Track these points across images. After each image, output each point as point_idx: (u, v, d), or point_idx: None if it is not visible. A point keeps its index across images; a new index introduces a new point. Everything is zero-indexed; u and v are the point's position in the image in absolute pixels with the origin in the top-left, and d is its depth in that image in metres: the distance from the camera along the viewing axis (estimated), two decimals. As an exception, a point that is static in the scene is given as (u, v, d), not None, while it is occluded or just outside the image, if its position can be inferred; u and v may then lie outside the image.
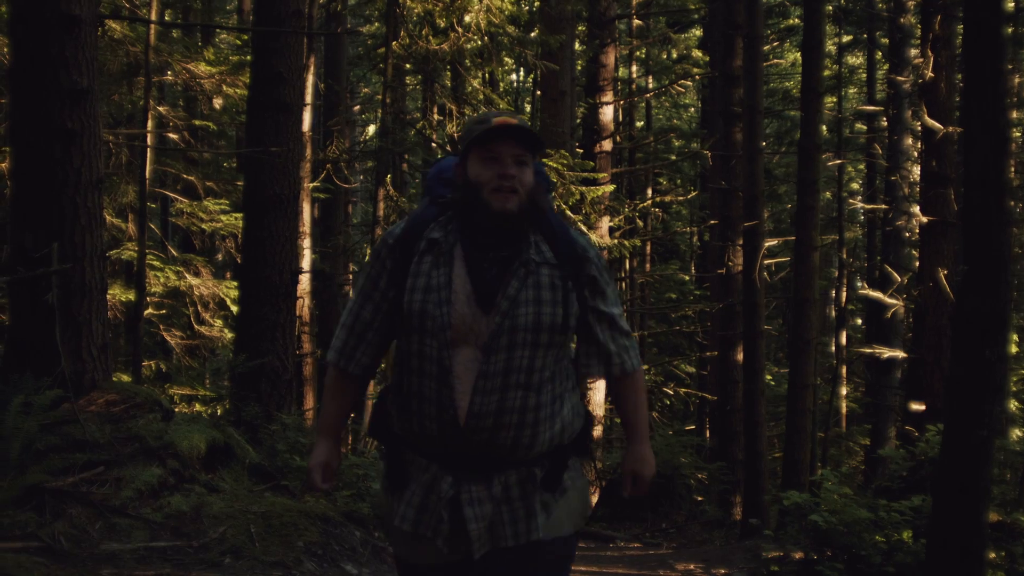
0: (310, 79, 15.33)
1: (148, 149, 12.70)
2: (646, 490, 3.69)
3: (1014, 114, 20.79)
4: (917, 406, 13.92)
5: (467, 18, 13.92)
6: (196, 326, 15.64)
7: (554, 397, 3.39)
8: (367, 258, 4.07)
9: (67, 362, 7.61)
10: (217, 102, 16.51)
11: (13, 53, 7.99)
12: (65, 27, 7.77)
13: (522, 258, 3.36)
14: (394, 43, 13.59)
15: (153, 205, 18.22)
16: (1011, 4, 19.23)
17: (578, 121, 18.85)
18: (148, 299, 14.26)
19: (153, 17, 11.89)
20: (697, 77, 22.07)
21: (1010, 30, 18.74)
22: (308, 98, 14.48)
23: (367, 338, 3.51)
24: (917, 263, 15.63)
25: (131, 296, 13.81)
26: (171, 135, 16.79)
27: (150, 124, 12.66)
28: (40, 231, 7.71)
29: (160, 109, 15.26)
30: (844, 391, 22.91)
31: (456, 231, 3.39)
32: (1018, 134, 16.84)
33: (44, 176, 7.76)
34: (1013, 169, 20.44)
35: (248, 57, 13.50)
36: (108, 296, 9.35)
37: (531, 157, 3.42)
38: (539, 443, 3.34)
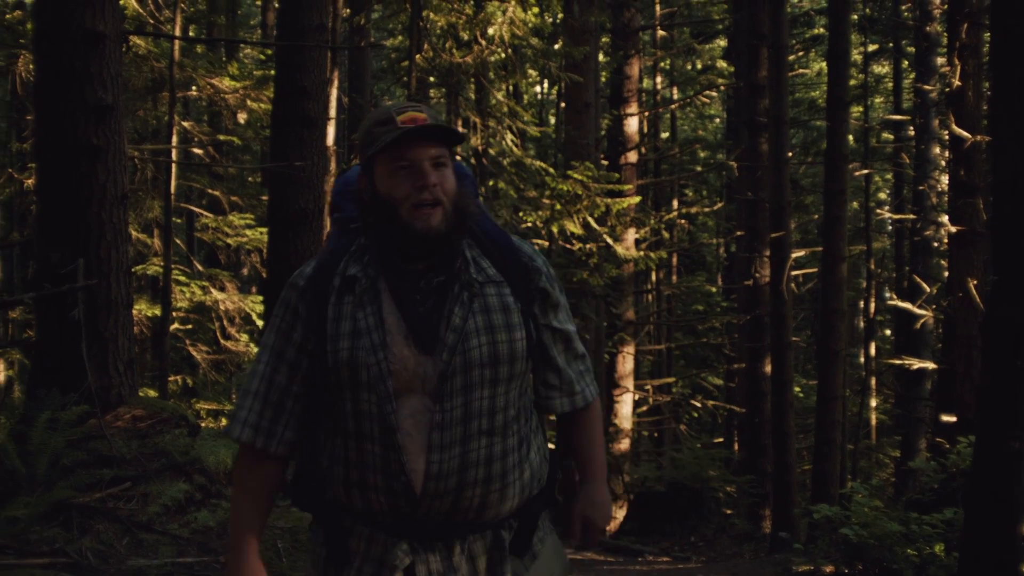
0: (334, 93, 15.32)
1: (173, 164, 12.73)
2: (597, 540, 3.22)
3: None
4: (948, 417, 13.80)
5: (491, 30, 13.92)
6: (222, 341, 15.68)
7: (521, 439, 2.90)
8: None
9: (93, 378, 7.61)
10: (241, 117, 16.57)
11: (38, 69, 8.01)
12: (90, 43, 7.79)
13: (461, 280, 2.86)
14: (418, 56, 13.58)
15: (178, 220, 18.30)
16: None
17: (603, 133, 18.81)
18: (174, 314, 14.30)
19: (177, 33, 11.93)
20: (722, 88, 22.02)
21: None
22: (332, 112, 14.48)
23: (287, 406, 2.90)
24: (946, 273, 15.51)
25: (157, 311, 13.86)
26: (196, 150, 16.85)
27: (175, 139, 12.70)
28: (66, 247, 7.72)
29: (185, 124, 15.32)
30: (873, 403, 22.82)
31: (375, 261, 2.87)
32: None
33: (70, 192, 7.78)
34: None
35: (272, 71, 13.53)
36: (134, 311, 9.36)
37: (450, 155, 2.91)
38: (508, 497, 2.85)
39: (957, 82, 13.25)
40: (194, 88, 14.73)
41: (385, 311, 2.80)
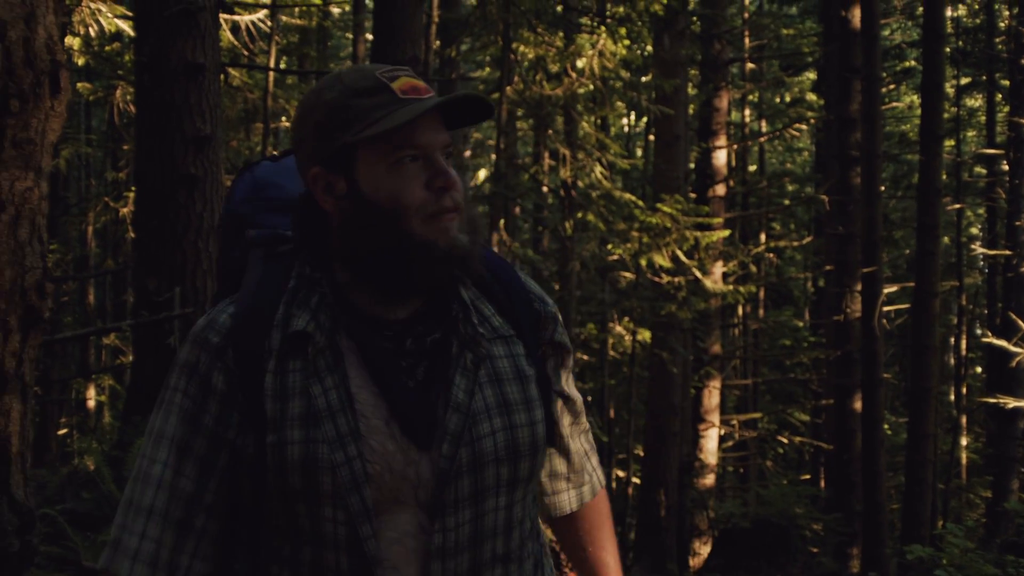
0: (425, 124, 15.39)
1: (266, 194, 12.85)
2: None
3: None
4: (1044, 457, 13.53)
5: (580, 63, 13.95)
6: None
7: (536, 563, 2.18)
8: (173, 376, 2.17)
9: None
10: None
11: (139, 100, 8.15)
12: (190, 75, 7.90)
13: (461, 335, 2.08)
14: (507, 88, 13.64)
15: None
16: None
17: (691, 165, 18.77)
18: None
19: (271, 64, 12.07)
20: (811, 121, 21.86)
21: None
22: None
23: (197, 526, 2.01)
24: (1041, 310, 15.25)
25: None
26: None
27: (268, 170, 12.83)
28: (163, 275, 7.82)
29: (276, 154, 15.47)
30: (965, 441, 22.45)
31: (331, 307, 2.03)
32: None
33: (167, 221, 7.88)
34: None
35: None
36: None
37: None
38: None
39: (1055, 116, 13.04)
40: (285, 119, 14.90)
41: (354, 384, 1.99)
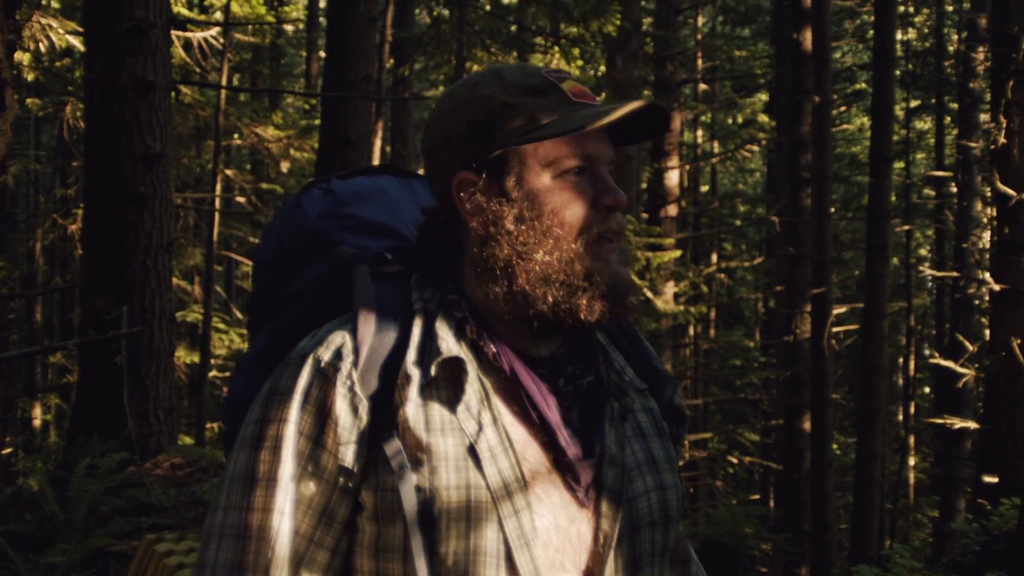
0: (377, 143, 15.39)
1: (215, 212, 12.80)
2: None
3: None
4: (990, 478, 13.63)
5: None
6: (260, 389, 15.66)
7: None
8: (251, 423, 1.79)
9: (134, 425, 7.62)
10: (284, 165, 16.68)
11: (88, 117, 8.09)
12: (140, 92, 7.85)
13: (605, 382, 1.88)
14: (461, 108, 13.60)
15: (219, 268, 18.42)
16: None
17: (643, 186, 18.82)
18: (213, 361, 14.36)
19: (223, 82, 12.02)
20: (763, 142, 22.01)
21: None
22: (376, 162, 14.55)
23: None
24: (988, 332, 15.38)
25: (196, 358, 13.90)
26: (238, 198, 16.96)
27: (218, 188, 12.79)
28: (111, 294, 7.76)
29: (228, 172, 15.41)
30: (912, 461, 22.61)
31: (473, 333, 1.79)
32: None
33: (116, 239, 7.82)
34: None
35: (316, 121, 13.63)
36: (176, 357, 9.40)
37: None
38: None
39: (1002, 139, 13.17)
40: (237, 136, 14.84)
41: (507, 421, 1.75)
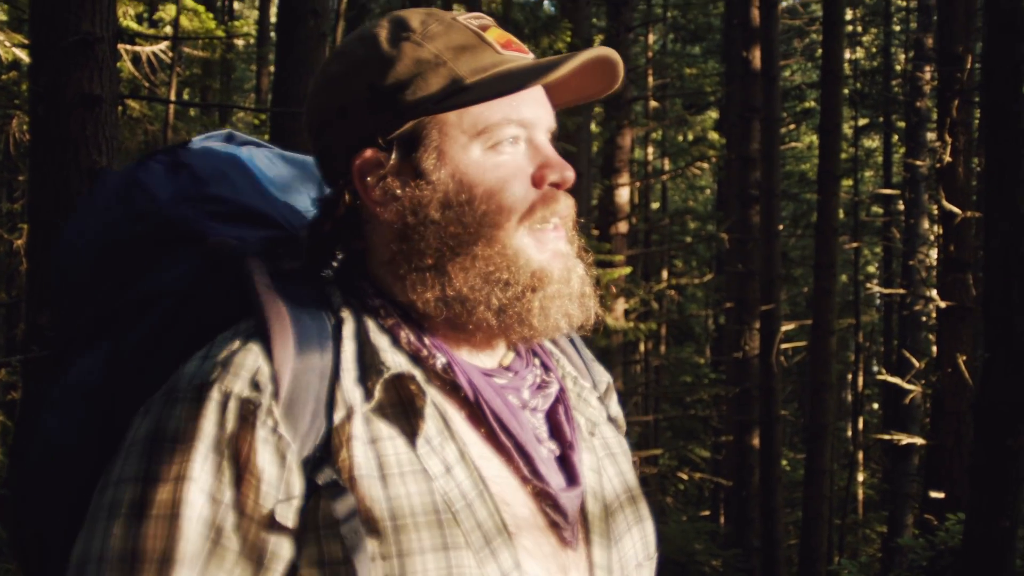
0: (327, 159, 15.33)
1: (164, 227, 12.71)
2: None
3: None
4: (936, 494, 13.74)
5: (484, 100, 13.97)
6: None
7: None
8: (137, 458, 1.33)
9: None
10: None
11: (33, 131, 7.99)
12: (86, 106, 7.76)
13: (569, 392, 1.62)
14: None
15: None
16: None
17: (594, 203, 18.86)
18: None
19: (172, 96, 11.96)
20: (713, 159, 22.13)
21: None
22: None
23: None
24: (935, 348, 15.51)
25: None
26: (188, 213, 16.84)
27: (167, 202, 12.70)
28: (56, 309, 7.67)
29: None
30: (861, 477, 22.74)
31: (418, 338, 1.48)
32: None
33: (59, 254, 7.74)
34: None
35: (265, 136, 13.57)
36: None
37: None
38: None
39: (948, 158, 13.31)
40: (187, 151, 14.73)
41: (475, 453, 1.43)
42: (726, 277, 20.76)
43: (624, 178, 18.80)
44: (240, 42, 20.89)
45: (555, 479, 1.47)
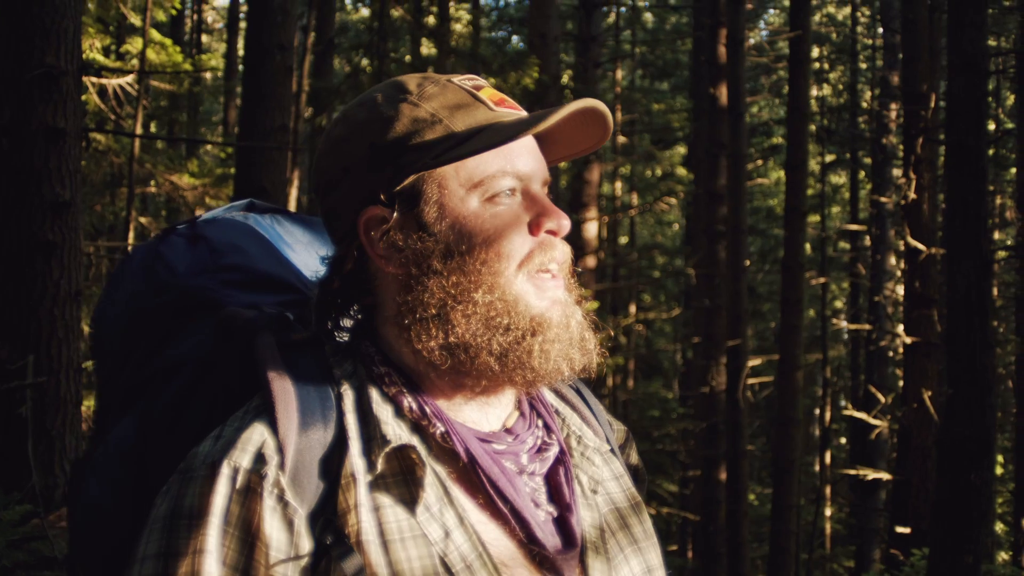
0: (293, 193, 15.34)
1: (129, 261, 12.65)
2: None
3: (997, 235, 20.96)
4: (902, 529, 13.78)
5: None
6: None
7: None
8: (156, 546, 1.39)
9: (38, 476, 7.47)
10: (200, 213, 16.56)
11: (-5, 164, 7.97)
12: (50, 139, 7.75)
13: (570, 453, 1.66)
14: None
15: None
16: (992, 126, 19.48)
17: (562, 237, 18.89)
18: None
19: (138, 130, 11.92)
20: (681, 194, 22.21)
21: (991, 152, 18.96)
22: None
23: None
24: (901, 383, 15.58)
25: (108, 408, 13.66)
26: (154, 246, 16.78)
27: (131, 236, 12.65)
28: (17, 343, 7.61)
29: (142, 220, 15.25)
30: (828, 512, 22.75)
31: (420, 407, 1.52)
32: (1003, 255, 16.97)
33: (23, 288, 7.69)
34: (996, 290, 20.56)
35: (232, 170, 13.55)
36: (84, 407, 9.26)
37: None
38: None
39: (912, 195, 13.41)
40: (153, 184, 14.71)
41: (474, 518, 1.49)
42: (694, 312, 20.83)
43: (592, 213, 18.85)
44: (208, 75, 20.90)
45: (552, 541, 1.51)
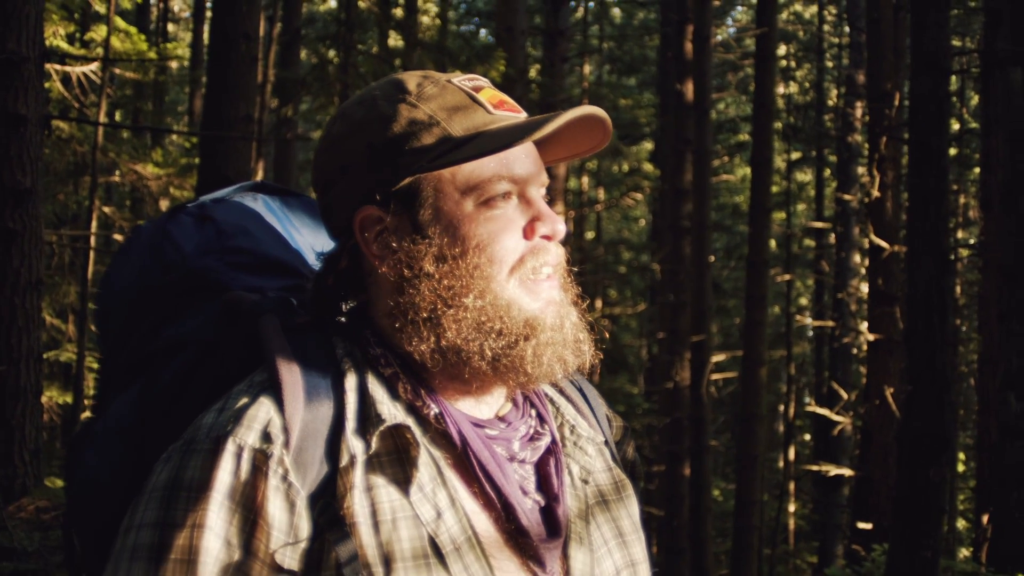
0: (260, 183, 15.25)
1: (91, 250, 12.58)
2: None
3: (960, 234, 21.10)
4: (864, 525, 13.85)
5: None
6: (135, 430, 15.38)
7: None
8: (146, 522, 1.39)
9: (-4, 467, 7.44)
10: (164, 204, 16.45)
11: (-45, 152, 7.90)
12: (11, 126, 7.69)
13: (562, 443, 1.67)
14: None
15: (94, 306, 18.17)
16: (956, 126, 19.60)
17: (528, 232, 18.90)
18: (86, 401, 14.08)
19: (102, 118, 11.86)
20: (648, 190, 22.24)
21: (954, 151, 19.09)
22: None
23: None
24: (864, 380, 15.67)
25: (69, 398, 13.60)
26: (116, 236, 16.70)
27: (94, 224, 12.57)
28: (-26, 332, 7.57)
29: (105, 210, 15.16)
30: (792, 508, 22.87)
31: (415, 389, 1.53)
32: (966, 253, 17.07)
33: (-18, 276, 7.65)
34: (960, 289, 20.71)
35: (196, 160, 13.49)
36: (45, 398, 9.20)
37: None
38: None
39: (876, 192, 13.48)
40: (117, 173, 14.62)
41: (465, 503, 1.50)
42: (659, 307, 20.86)
43: (559, 208, 18.87)
44: (174, 64, 20.79)
45: (536, 530, 1.52)
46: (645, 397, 23.60)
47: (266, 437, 1.40)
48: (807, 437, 29.21)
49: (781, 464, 24.80)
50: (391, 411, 1.47)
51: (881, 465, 14.08)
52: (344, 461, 1.42)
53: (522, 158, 1.54)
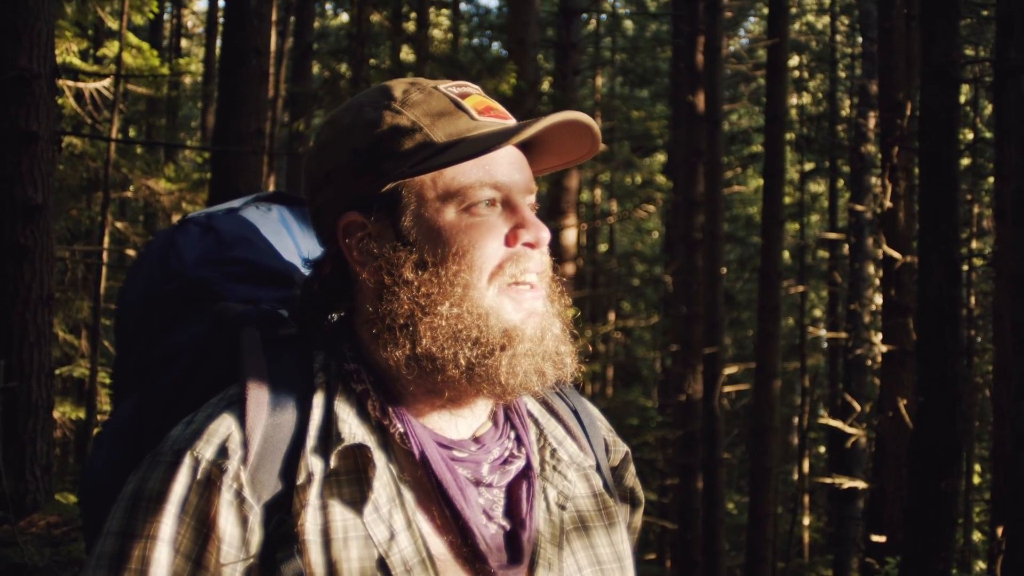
0: (271, 198, 15.27)
1: (103, 266, 12.61)
2: None
3: (975, 244, 21.03)
4: (877, 537, 13.79)
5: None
6: (147, 445, 15.39)
7: None
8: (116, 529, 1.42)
9: (9, 482, 7.43)
10: (176, 219, 16.51)
11: (-33, 169, 7.93)
12: (22, 143, 7.71)
13: (539, 463, 1.63)
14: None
15: (107, 322, 18.19)
16: (970, 135, 19.55)
17: (541, 244, 18.88)
18: (99, 417, 14.11)
19: (114, 134, 11.89)
20: (661, 202, 22.22)
21: (967, 161, 19.04)
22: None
23: None
24: (878, 392, 15.61)
25: (82, 414, 13.62)
26: (129, 251, 16.75)
27: (107, 240, 12.60)
28: (-13, 347, 7.59)
29: (118, 225, 15.19)
30: (806, 520, 22.79)
31: (383, 407, 1.51)
32: (980, 263, 17.02)
33: (-6, 291, 7.66)
34: (974, 299, 20.64)
35: (208, 174, 13.51)
36: (57, 413, 9.22)
37: None
38: None
39: (889, 203, 13.44)
40: (130, 189, 14.66)
41: (423, 525, 1.48)
42: (672, 319, 20.82)
43: (571, 220, 18.84)
44: (187, 80, 20.85)
45: (496, 556, 1.49)
46: (659, 410, 23.57)
47: (223, 452, 1.41)
48: (821, 449, 29.12)
49: (795, 476, 24.72)
50: (351, 430, 1.45)
51: (895, 477, 14.03)
52: (301, 479, 1.42)
53: (505, 165, 1.52)
